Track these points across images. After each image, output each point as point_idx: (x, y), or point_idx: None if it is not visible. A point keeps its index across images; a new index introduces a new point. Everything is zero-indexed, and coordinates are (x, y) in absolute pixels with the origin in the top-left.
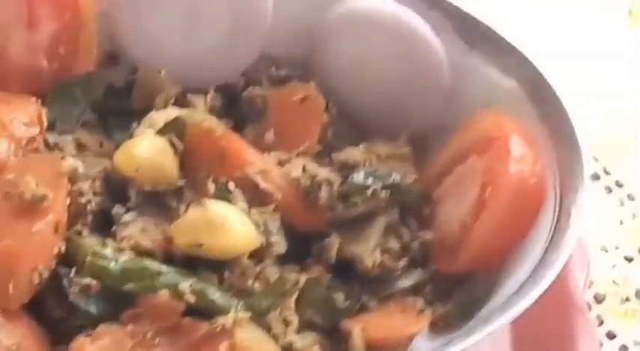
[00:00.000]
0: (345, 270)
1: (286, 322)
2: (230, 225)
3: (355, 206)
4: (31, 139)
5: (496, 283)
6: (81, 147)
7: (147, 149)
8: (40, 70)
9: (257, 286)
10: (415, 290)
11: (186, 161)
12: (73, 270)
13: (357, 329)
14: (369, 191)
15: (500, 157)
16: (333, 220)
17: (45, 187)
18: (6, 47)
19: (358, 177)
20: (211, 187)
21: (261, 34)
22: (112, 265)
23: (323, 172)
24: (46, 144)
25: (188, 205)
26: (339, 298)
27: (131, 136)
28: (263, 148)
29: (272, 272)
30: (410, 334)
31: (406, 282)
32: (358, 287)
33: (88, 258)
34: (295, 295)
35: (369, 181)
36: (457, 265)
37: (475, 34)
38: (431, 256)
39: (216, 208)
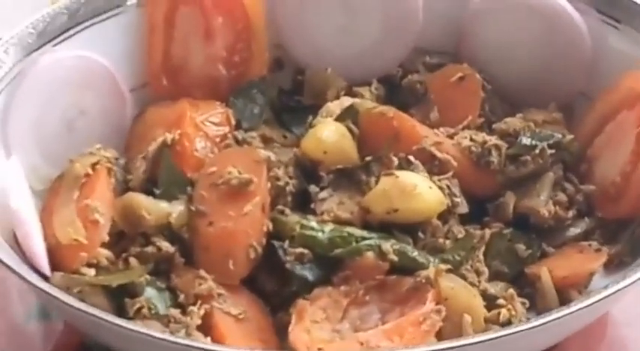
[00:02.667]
0: (519, 224)
1: (478, 273)
2: (420, 190)
3: (525, 165)
4: (223, 137)
5: None
6: (266, 141)
7: (331, 134)
8: (219, 78)
9: (447, 243)
10: (585, 236)
11: (361, 143)
12: (286, 242)
13: (545, 270)
14: (537, 150)
15: None
16: (504, 181)
17: (247, 173)
18: (188, 59)
19: (526, 139)
20: (394, 160)
21: (413, 29)
22: (320, 234)
23: (491, 139)
24: (236, 140)
25: (377, 178)
26: (521, 248)
27: (311, 126)
28: (429, 126)
29: (458, 230)
30: (591, 270)
31: (577, 229)
32: (535, 238)
33: (298, 230)
34: (483, 248)
35: (535, 141)
36: (621, 210)
37: (608, 3)
38: (594, 206)
39: (406, 176)
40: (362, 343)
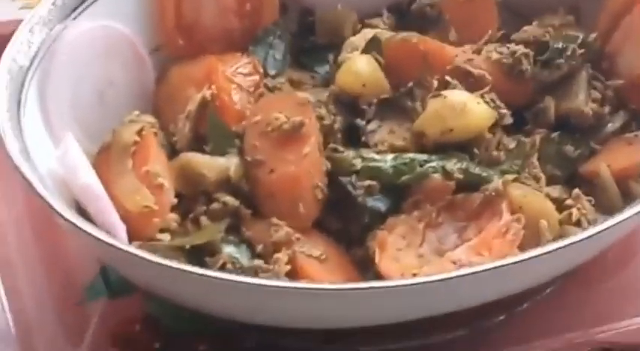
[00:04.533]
0: (559, 127)
1: (536, 179)
2: (470, 106)
3: (560, 68)
4: (256, 86)
5: None
6: (295, 84)
7: (365, 66)
8: (233, 29)
9: (501, 155)
10: (623, 130)
11: (388, 72)
12: (353, 177)
13: (604, 166)
14: (569, 52)
15: None
16: (538, 87)
17: (294, 116)
18: (200, 15)
19: (557, 43)
20: (434, 82)
21: None
22: (384, 164)
23: (517, 48)
24: (267, 88)
25: (422, 102)
26: (570, 149)
27: (338, 63)
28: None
29: (508, 141)
30: None
31: (615, 124)
32: (580, 137)
33: (360, 163)
34: (536, 155)
35: (565, 44)
36: None
37: None
38: (624, 100)
39: (454, 95)
40: (454, 263)
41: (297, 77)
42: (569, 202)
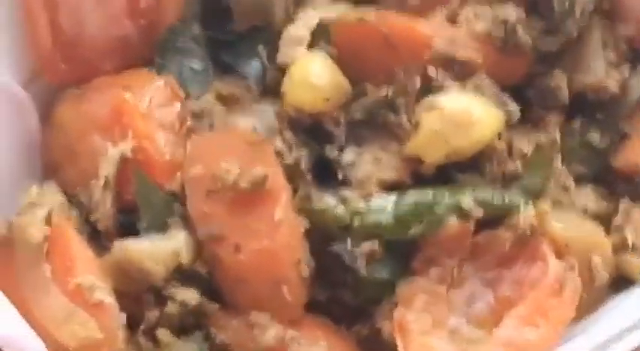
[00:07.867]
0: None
1: (565, 188)
2: (477, 115)
3: (568, 34)
4: (180, 119)
5: None
6: (226, 101)
7: (323, 72)
8: (127, 36)
9: (518, 165)
10: None
11: (345, 68)
12: (348, 241)
13: None
14: (579, 11)
15: None
16: (537, 58)
17: (253, 167)
18: (83, 26)
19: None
20: (417, 84)
21: None
22: (383, 217)
23: (507, 12)
24: (195, 116)
25: (407, 114)
26: (595, 137)
27: (273, 64)
28: (413, 13)
29: (519, 141)
30: None
31: (637, 89)
32: (604, 118)
33: (355, 220)
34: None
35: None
36: None
37: None
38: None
39: (452, 104)
40: (507, 346)
41: (226, 90)
42: (616, 221)
